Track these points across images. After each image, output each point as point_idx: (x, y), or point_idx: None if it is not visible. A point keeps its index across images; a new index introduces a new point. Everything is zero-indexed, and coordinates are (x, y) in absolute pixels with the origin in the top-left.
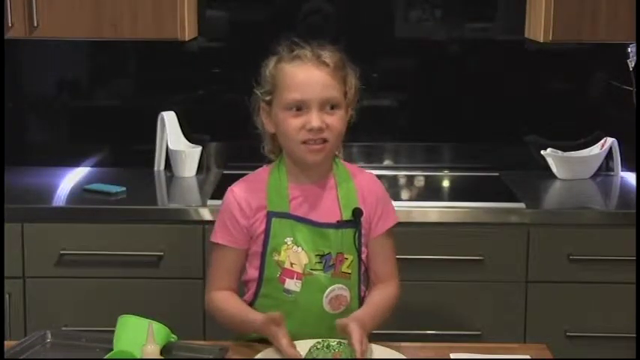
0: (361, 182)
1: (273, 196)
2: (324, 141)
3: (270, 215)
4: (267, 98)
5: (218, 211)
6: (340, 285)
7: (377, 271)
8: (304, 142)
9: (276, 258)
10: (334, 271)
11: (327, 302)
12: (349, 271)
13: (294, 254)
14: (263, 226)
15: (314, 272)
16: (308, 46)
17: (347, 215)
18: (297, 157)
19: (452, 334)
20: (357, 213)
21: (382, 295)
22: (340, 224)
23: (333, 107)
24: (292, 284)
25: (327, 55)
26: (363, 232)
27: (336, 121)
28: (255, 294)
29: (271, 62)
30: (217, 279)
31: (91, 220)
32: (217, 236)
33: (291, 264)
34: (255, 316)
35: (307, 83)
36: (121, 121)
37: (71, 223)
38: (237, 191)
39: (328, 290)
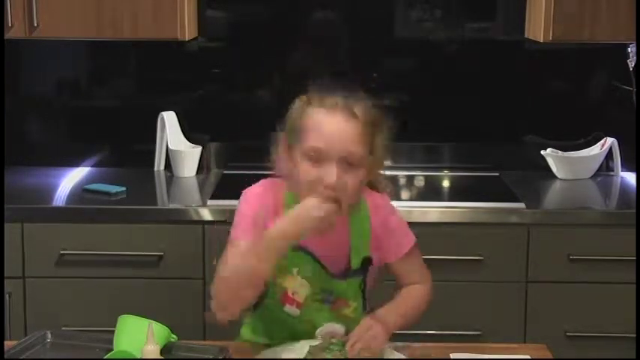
0: (373, 204)
1: None
2: (335, 201)
3: None
4: (290, 139)
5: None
6: (338, 325)
7: (406, 284)
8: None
9: (280, 281)
10: (333, 305)
11: (318, 332)
12: (352, 316)
13: (299, 285)
14: None
15: (314, 304)
16: (339, 94)
17: (356, 263)
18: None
19: (452, 334)
20: (365, 263)
21: (410, 292)
22: (348, 273)
23: (353, 164)
24: (292, 310)
25: (360, 108)
26: (373, 257)
27: (353, 179)
28: (260, 301)
29: (298, 104)
30: None
31: (91, 220)
32: (239, 235)
33: (293, 293)
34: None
35: (332, 134)
36: (121, 121)
37: (71, 223)
38: (257, 208)
39: (322, 327)
